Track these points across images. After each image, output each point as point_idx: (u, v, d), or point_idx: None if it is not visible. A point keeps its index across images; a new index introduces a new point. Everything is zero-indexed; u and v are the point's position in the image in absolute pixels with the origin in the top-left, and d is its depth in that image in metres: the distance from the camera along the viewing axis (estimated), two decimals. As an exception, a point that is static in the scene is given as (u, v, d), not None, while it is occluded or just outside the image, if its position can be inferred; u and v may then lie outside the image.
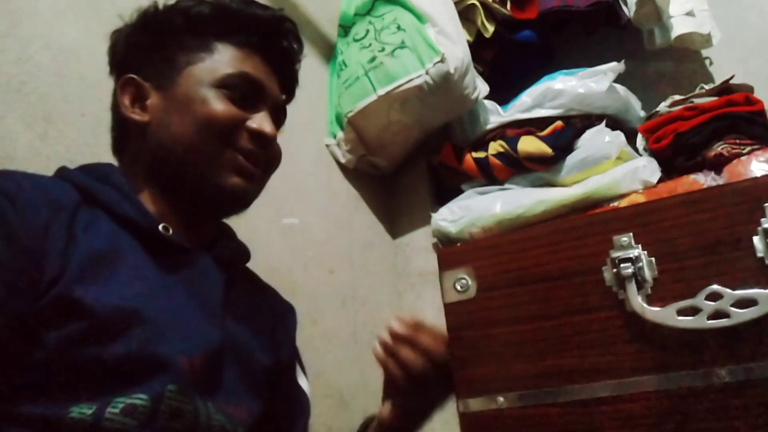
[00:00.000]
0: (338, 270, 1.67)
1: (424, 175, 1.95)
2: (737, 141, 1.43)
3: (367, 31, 1.77)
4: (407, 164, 1.97)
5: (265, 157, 0.88)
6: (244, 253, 0.97)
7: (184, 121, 0.83)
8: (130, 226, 0.77)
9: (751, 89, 1.54)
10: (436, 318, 1.67)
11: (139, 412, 0.65)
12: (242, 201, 0.88)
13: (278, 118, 0.94)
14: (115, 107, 0.90)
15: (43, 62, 1.09)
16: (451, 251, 0.88)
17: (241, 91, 0.86)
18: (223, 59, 0.87)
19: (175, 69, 0.86)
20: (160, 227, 0.80)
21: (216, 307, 0.82)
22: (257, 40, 0.90)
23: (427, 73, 1.65)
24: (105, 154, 1.13)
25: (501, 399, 0.79)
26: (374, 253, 1.85)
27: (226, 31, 0.89)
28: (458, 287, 0.83)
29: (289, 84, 0.98)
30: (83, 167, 0.85)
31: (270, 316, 0.96)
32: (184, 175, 0.84)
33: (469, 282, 0.82)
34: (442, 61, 1.63)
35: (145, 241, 0.78)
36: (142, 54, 0.89)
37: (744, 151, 1.41)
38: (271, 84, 0.91)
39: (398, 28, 1.72)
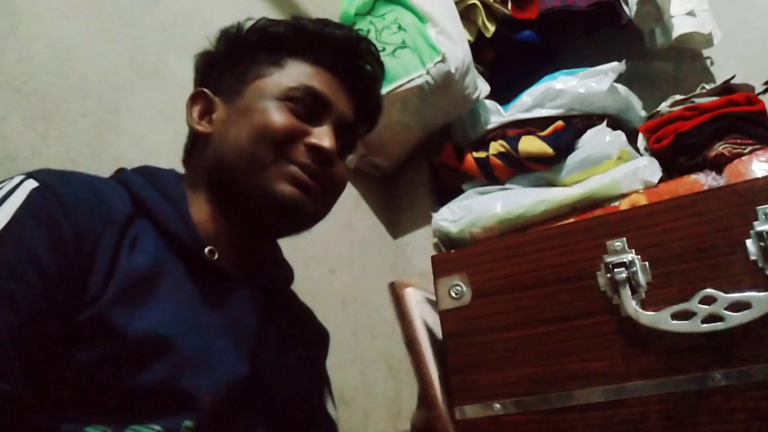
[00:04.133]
0: (339, 270, 1.67)
1: (424, 175, 1.95)
2: (738, 141, 1.43)
3: (368, 31, 1.77)
4: (408, 164, 1.97)
5: (324, 175, 0.84)
6: (287, 277, 0.96)
7: (241, 131, 0.82)
8: (176, 244, 0.76)
9: (752, 89, 1.54)
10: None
11: None
12: (297, 214, 0.83)
13: (346, 138, 0.89)
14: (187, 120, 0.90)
15: (44, 62, 1.09)
16: (445, 257, 0.88)
17: (304, 105, 0.84)
18: (291, 74, 0.85)
19: (244, 83, 0.86)
20: (206, 250, 0.77)
21: (249, 339, 0.80)
22: (330, 58, 0.88)
23: (428, 72, 1.65)
24: (106, 155, 1.13)
25: (497, 405, 0.79)
26: (375, 253, 1.85)
27: (300, 48, 0.87)
28: (453, 294, 0.83)
29: (365, 107, 0.94)
30: (144, 171, 0.83)
31: (302, 343, 0.94)
32: (238, 186, 0.81)
33: (464, 289, 0.82)
34: (442, 61, 1.63)
35: (188, 262, 0.76)
36: (217, 70, 0.90)
37: (745, 151, 1.41)
38: (340, 102, 0.87)
39: (399, 28, 1.72)
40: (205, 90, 0.88)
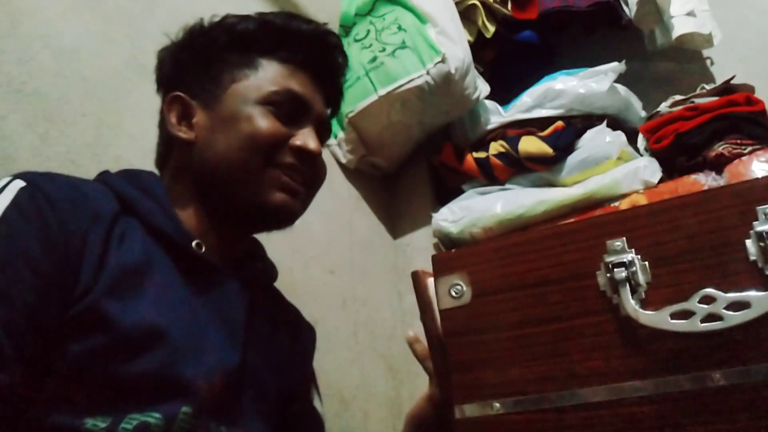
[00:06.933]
0: (339, 270, 1.67)
1: (424, 176, 1.95)
2: (738, 141, 1.43)
3: (368, 31, 1.78)
4: (408, 164, 1.97)
5: (309, 173, 0.88)
6: (271, 273, 0.98)
7: (229, 139, 0.83)
8: (163, 239, 0.78)
9: (752, 89, 1.54)
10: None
11: (151, 430, 0.66)
12: (287, 217, 0.88)
13: (322, 133, 0.93)
14: (162, 124, 0.90)
15: (44, 62, 1.09)
16: (445, 257, 0.88)
17: (286, 108, 0.86)
18: (267, 76, 0.87)
19: (221, 87, 0.86)
20: (193, 244, 0.80)
21: (238, 329, 0.82)
22: (302, 55, 0.90)
23: (428, 73, 1.65)
24: (106, 155, 1.14)
25: (497, 404, 0.78)
26: (375, 253, 1.85)
27: (271, 47, 0.89)
28: (453, 293, 0.83)
29: (333, 98, 0.98)
30: (127, 174, 0.85)
31: (289, 338, 0.96)
32: (229, 194, 0.84)
33: (464, 288, 0.82)
34: (442, 61, 1.64)
35: (176, 256, 0.78)
36: (188, 72, 0.90)
37: (745, 152, 1.41)
38: (316, 100, 0.91)
39: (399, 28, 1.72)
40: (181, 94, 0.88)
